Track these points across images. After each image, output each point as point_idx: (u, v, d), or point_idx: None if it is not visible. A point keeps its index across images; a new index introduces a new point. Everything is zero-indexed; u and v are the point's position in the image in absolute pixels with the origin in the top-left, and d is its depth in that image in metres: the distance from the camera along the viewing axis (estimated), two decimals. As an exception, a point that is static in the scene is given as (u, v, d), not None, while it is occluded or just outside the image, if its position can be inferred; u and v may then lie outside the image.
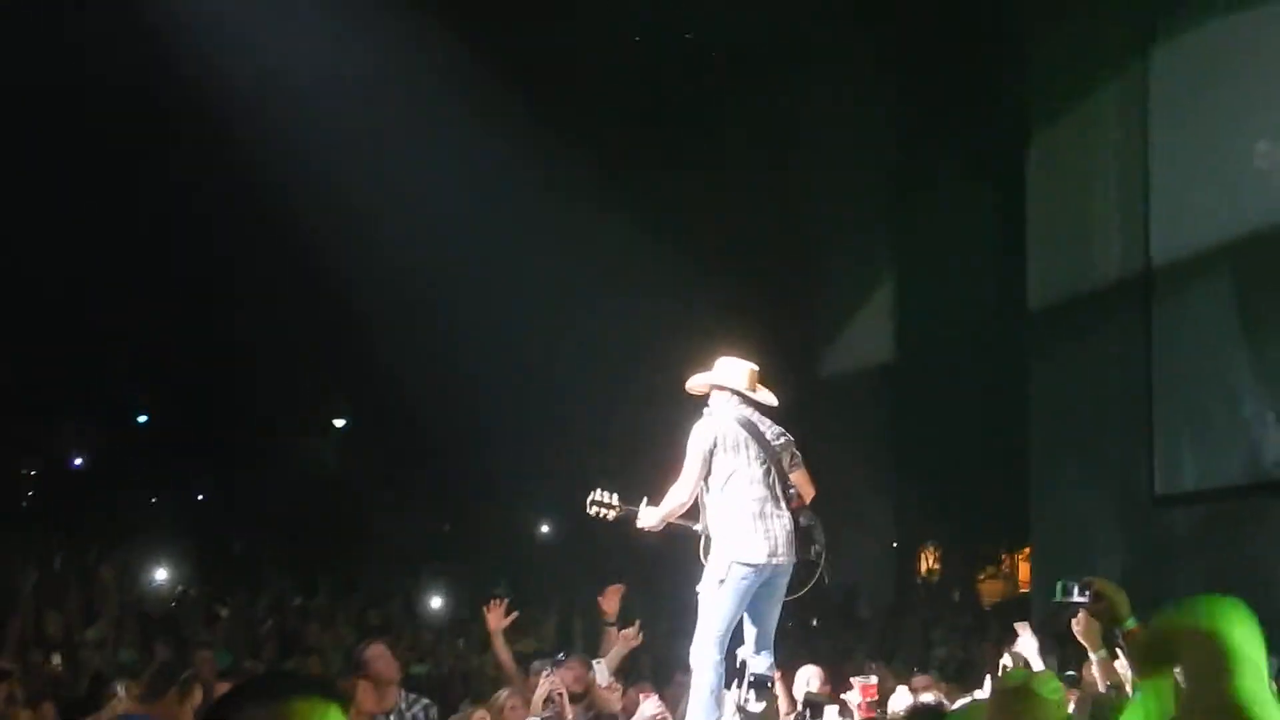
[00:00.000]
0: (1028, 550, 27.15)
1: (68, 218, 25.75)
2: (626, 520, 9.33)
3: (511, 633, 12.15)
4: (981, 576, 31.27)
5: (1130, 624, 5.21)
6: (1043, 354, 23.33)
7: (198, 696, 8.40)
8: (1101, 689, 8.61)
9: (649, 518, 9.18)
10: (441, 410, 29.00)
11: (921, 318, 27.08)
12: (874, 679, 10.27)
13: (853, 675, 11.04)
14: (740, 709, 9.01)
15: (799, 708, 9.93)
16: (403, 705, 9.52)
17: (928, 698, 10.08)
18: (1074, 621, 8.21)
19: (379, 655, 9.58)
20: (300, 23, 21.95)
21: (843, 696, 9.96)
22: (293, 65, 22.38)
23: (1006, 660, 10.44)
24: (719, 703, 8.99)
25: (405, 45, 22.98)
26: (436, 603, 22.26)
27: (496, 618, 11.02)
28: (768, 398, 9.30)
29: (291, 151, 23.54)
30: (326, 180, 24.05)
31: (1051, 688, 5.63)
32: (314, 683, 2.96)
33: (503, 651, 11.04)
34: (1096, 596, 5.32)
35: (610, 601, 11.29)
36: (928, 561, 31.60)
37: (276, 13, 21.65)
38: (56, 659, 12.65)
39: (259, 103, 22.85)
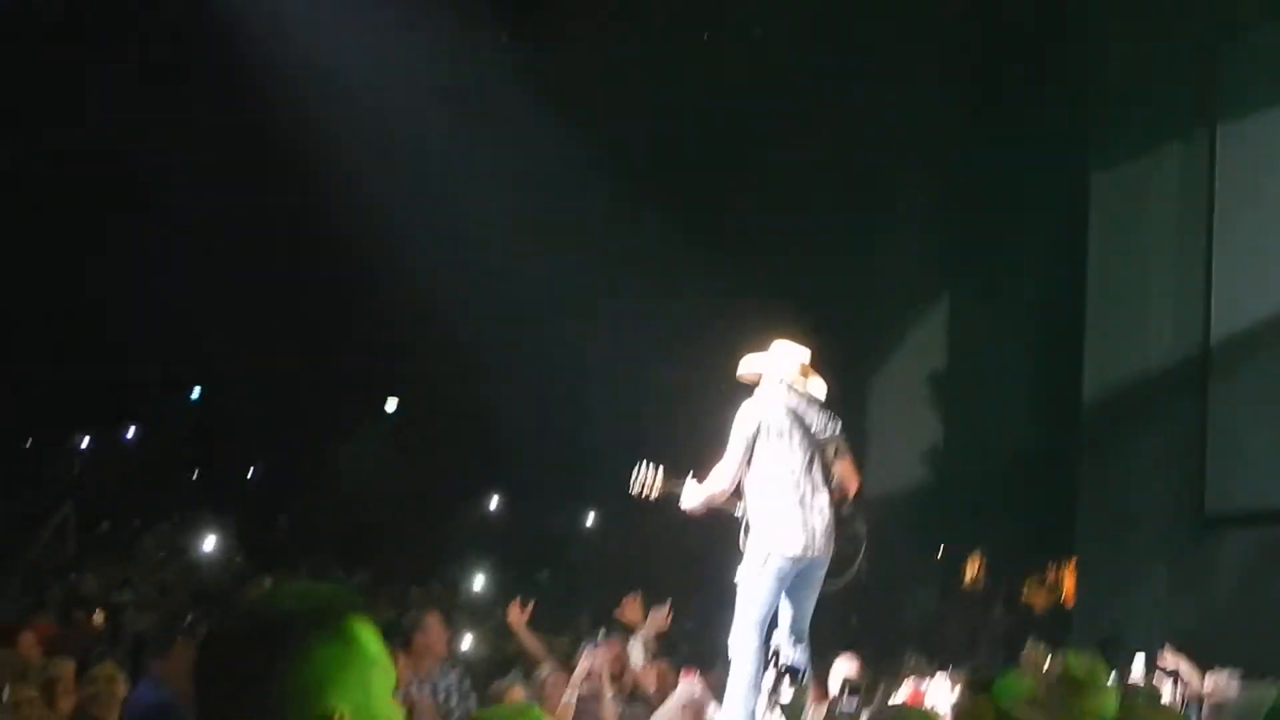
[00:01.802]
0: (1073, 562, 27.03)
1: (122, 193, 25.99)
2: (669, 500, 9.28)
3: (549, 619, 12.25)
4: (1025, 588, 31.05)
5: None
6: (1096, 364, 23.22)
7: None
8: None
9: (691, 498, 9.13)
10: (489, 397, 29.07)
11: (975, 329, 26.94)
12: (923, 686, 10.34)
13: (892, 671, 11.09)
14: (770, 698, 9.00)
15: (837, 693, 9.93)
16: (436, 673, 9.64)
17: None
18: None
19: (433, 625, 9.77)
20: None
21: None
22: (338, 50, 22.48)
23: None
24: (757, 689, 8.98)
25: (451, 28, 23.01)
26: (478, 586, 22.33)
27: (516, 614, 11.26)
28: (817, 387, 9.25)
29: (328, 140, 23.67)
30: (374, 168, 24.16)
31: (1105, 679, 5.73)
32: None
33: (528, 639, 11.19)
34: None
35: (630, 611, 11.41)
36: (973, 569, 31.43)
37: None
38: (99, 617, 12.78)
39: (298, 78, 22.98)
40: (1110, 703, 5.71)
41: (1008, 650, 19.21)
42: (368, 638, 2.52)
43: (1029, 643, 11.18)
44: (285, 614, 2.49)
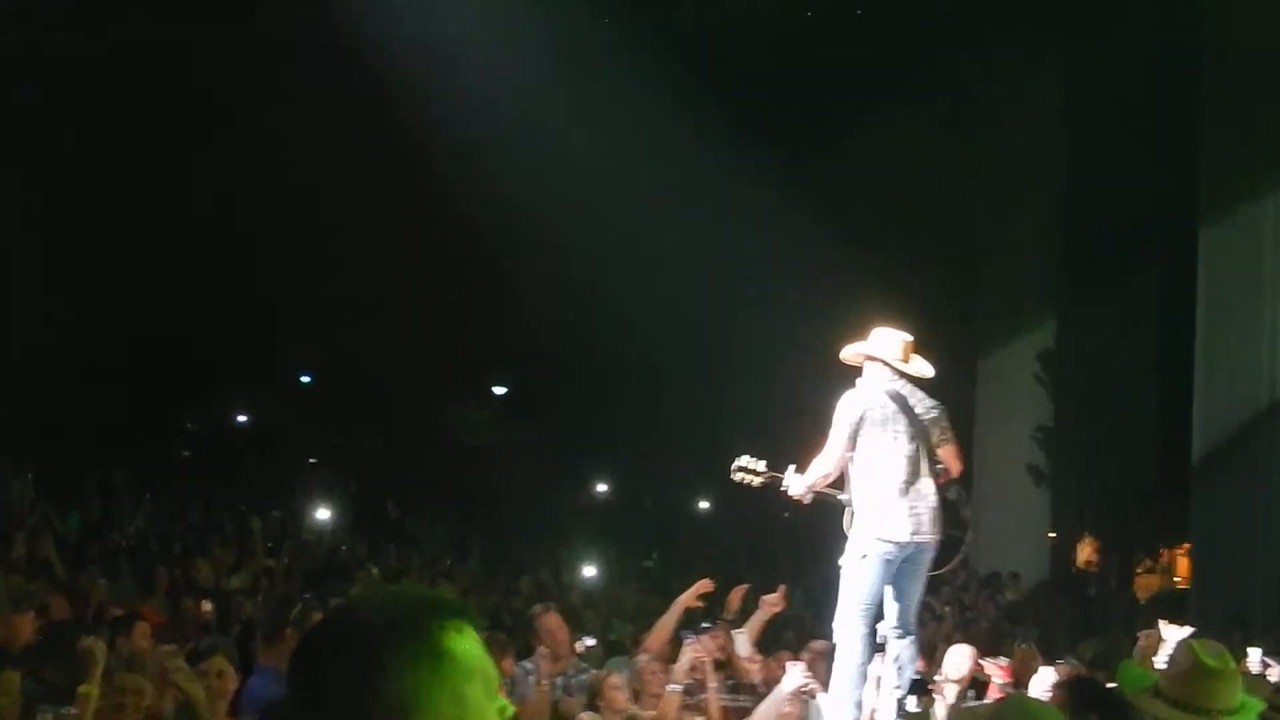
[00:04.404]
0: (1187, 546, 26.73)
1: (238, 182, 26.26)
2: (771, 488, 9.22)
3: (658, 605, 12.22)
4: (1139, 570, 30.80)
5: None
6: (1209, 349, 23.01)
7: None
8: None
9: (796, 486, 9.05)
10: (600, 382, 29.11)
11: (1087, 303, 26.74)
12: (1003, 660, 10.22)
13: (1003, 656, 10.97)
14: (899, 707, 8.93)
15: (956, 695, 9.84)
16: (570, 671, 9.71)
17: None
18: None
19: (554, 626, 9.82)
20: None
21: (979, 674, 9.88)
22: (454, 35, 22.55)
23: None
24: (864, 676, 8.92)
25: (571, 17, 23.08)
26: (588, 571, 22.30)
27: (692, 595, 10.96)
28: (922, 369, 9.15)
29: (451, 120, 23.74)
30: (488, 150, 24.20)
31: (1233, 668, 5.59)
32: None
33: (671, 619, 10.92)
34: None
35: (734, 600, 11.34)
36: (1084, 552, 31.18)
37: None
38: (208, 605, 12.85)
39: (419, 67, 23.05)
40: (1239, 692, 5.55)
41: (1123, 634, 18.98)
42: (460, 647, 2.39)
43: (1144, 631, 10.98)
44: (370, 633, 2.38)
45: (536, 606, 10.80)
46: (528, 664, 10.13)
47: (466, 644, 2.41)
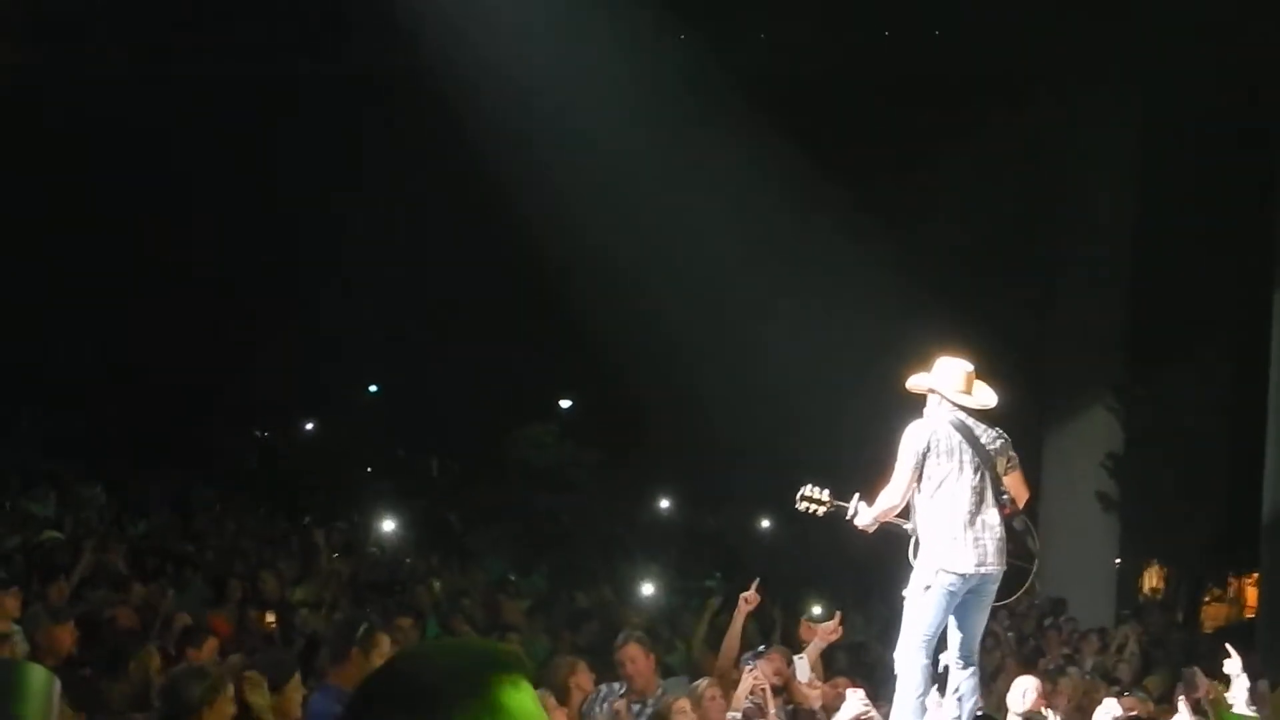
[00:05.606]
0: (1255, 576, 26.48)
1: (317, 200, 26.52)
2: (836, 517, 9.20)
3: (718, 624, 12.19)
4: (1207, 599, 30.53)
5: None
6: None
7: (384, 646, 8.30)
8: None
9: (863, 517, 9.03)
10: (664, 402, 29.09)
11: (1159, 333, 26.55)
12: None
13: (1068, 688, 10.94)
14: None
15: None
16: (652, 700, 9.70)
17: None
18: None
19: (636, 655, 9.82)
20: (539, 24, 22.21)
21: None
22: (517, 60, 22.64)
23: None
24: (924, 707, 8.88)
25: (637, 48, 23.13)
26: (647, 590, 22.24)
27: (750, 601, 10.92)
28: (984, 398, 9.08)
29: (523, 148, 23.85)
30: (559, 175, 24.30)
31: None
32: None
33: (737, 637, 10.90)
34: None
35: (806, 636, 11.30)
36: (1151, 580, 30.94)
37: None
38: (271, 618, 12.88)
39: (501, 106, 23.20)
40: None
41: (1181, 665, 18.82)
42: (516, 702, 2.41)
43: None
44: (431, 688, 2.40)
45: (619, 636, 10.72)
46: (616, 685, 10.12)
47: (522, 698, 2.43)
